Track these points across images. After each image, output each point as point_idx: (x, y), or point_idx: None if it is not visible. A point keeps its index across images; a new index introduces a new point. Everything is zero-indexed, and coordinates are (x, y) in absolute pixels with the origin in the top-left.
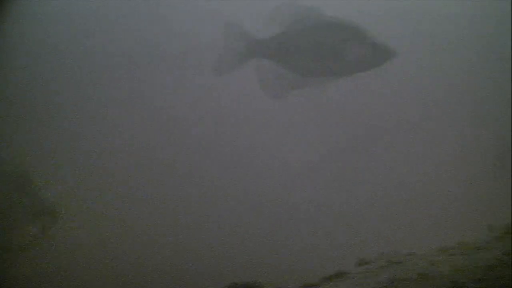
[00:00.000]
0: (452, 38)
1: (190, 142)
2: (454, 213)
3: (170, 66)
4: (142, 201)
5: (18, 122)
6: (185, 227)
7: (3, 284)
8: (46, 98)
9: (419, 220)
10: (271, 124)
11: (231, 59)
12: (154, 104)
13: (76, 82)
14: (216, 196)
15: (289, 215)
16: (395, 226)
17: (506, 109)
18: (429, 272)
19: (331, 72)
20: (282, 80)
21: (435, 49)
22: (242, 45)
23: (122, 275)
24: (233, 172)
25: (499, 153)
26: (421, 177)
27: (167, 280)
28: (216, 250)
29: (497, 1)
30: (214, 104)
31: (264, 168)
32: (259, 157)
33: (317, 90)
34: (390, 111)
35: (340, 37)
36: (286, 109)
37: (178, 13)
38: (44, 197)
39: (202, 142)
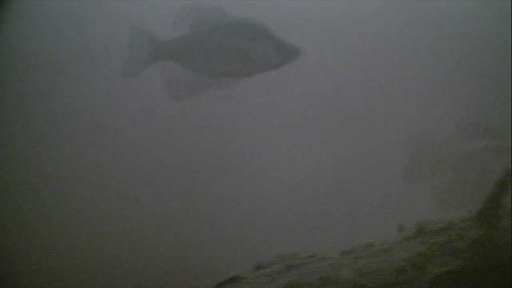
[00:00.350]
0: (452, 38)
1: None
2: (361, 213)
3: (78, 67)
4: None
5: (17, 121)
6: None
7: (3, 284)
8: (46, 97)
9: (321, 220)
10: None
11: (137, 61)
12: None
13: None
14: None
15: (182, 218)
16: (295, 227)
17: (507, 108)
18: (331, 277)
19: (238, 72)
20: (188, 82)
21: (435, 49)
22: (149, 47)
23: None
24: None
25: (413, 154)
26: (325, 175)
27: None
28: (92, 253)
29: (497, 1)
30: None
31: (166, 174)
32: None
33: (223, 92)
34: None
35: (245, 37)
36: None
37: (85, 15)
38: None
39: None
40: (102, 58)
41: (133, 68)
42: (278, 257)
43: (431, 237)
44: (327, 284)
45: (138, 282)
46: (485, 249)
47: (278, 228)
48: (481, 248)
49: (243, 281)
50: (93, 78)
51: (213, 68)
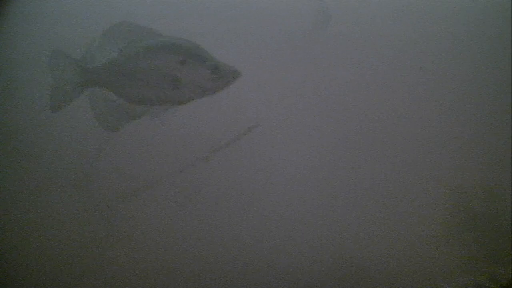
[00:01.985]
0: (451, 38)
1: None
2: None
3: None
4: None
5: (17, 122)
6: None
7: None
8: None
9: None
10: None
11: (63, 91)
12: None
13: None
14: None
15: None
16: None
17: (507, 109)
18: None
19: (170, 99)
20: (117, 110)
21: (434, 48)
22: (74, 74)
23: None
24: None
25: None
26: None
27: None
28: None
29: (497, 1)
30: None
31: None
32: None
33: (155, 121)
34: (387, 112)
35: (177, 59)
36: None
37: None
38: None
39: None
40: None
41: (60, 99)
42: None
43: None
44: None
45: None
46: None
47: None
48: None
49: None
50: None
51: (144, 95)
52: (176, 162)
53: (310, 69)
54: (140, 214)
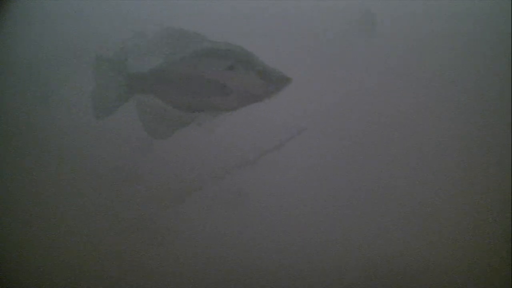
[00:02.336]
0: (451, 38)
1: None
2: None
3: (78, 69)
4: None
5: (17, 122)
6: None
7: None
8: (46, 98)
9: None
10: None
11: (108, 99)
12: None
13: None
14: None
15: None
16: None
17: (506, 109)
18: None
19: (218, 106)
20: (165, 118)
21: (434, 48)
22: (119, 80)
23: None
24: None
25: None
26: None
27: None
28: None
29: (497, 1)
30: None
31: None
32: None
33: (203, 128)
34: (389, 111)
35: (225, 65)
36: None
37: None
38: None
39: None
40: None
41: (105, 107)
42: None
43: None
44: None
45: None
46: None
47: None
48: None
49: None
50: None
51: (191, 102)
52: (223, 166)
53: (357, 72)
54: (187, 216)
